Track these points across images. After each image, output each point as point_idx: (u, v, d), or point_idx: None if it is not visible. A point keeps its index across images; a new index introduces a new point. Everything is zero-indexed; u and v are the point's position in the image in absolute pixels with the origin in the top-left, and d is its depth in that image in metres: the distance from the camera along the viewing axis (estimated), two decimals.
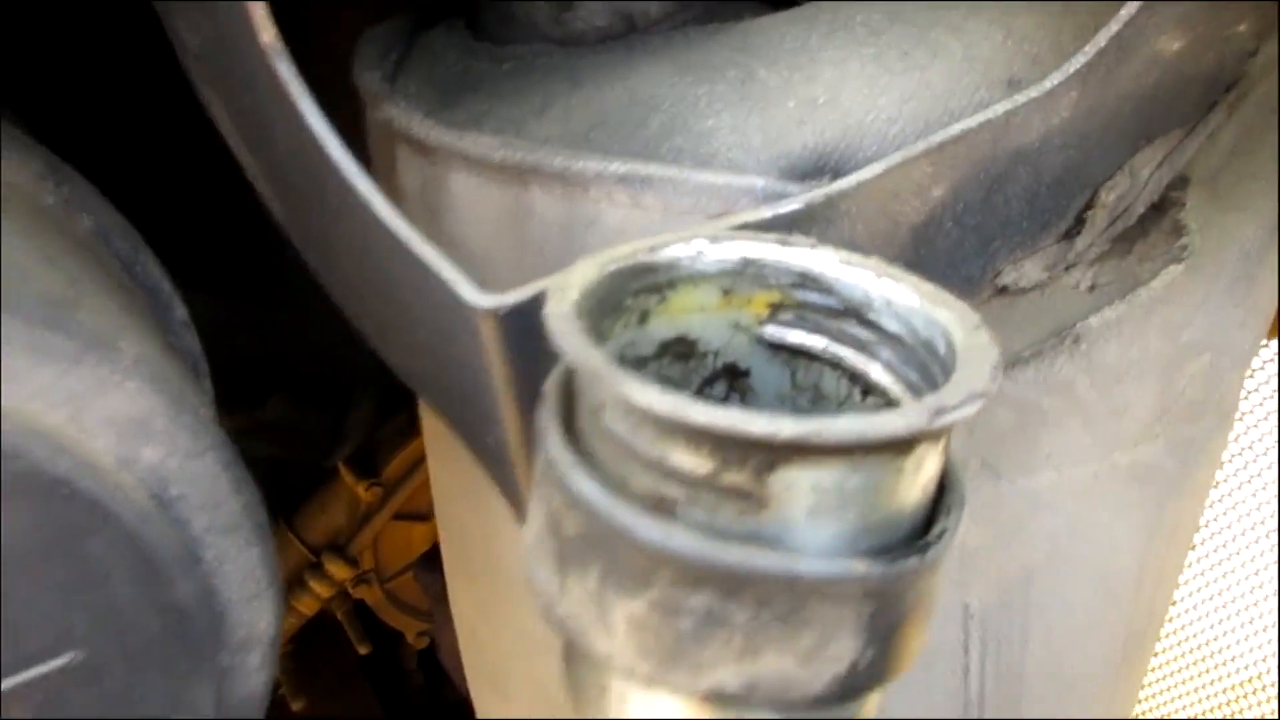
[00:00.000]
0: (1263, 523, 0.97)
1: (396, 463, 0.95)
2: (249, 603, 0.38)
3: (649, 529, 0.20)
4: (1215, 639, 1.02)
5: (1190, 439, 0.42)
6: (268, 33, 0.26)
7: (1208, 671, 1.04)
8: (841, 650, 0.21)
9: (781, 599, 0.20)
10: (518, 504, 0.31)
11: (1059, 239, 0.38)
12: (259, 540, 0.38)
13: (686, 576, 0.20)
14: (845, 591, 0.20)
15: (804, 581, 0.20)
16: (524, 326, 0.26)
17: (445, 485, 0.52)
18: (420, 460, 0.97)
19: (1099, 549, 0.42)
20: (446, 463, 0.51)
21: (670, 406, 0.19)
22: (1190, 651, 1.03)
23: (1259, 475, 0.96)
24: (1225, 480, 0.96)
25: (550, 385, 0.24)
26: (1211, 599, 1.01)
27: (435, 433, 0.52)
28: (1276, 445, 0.98)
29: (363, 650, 0.99)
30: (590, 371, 0.21)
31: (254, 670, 0.39)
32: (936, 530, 0.22)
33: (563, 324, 0.21)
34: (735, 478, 0.20)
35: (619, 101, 0.35)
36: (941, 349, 0.24)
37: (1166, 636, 1.02)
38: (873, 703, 0.25)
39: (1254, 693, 1.04)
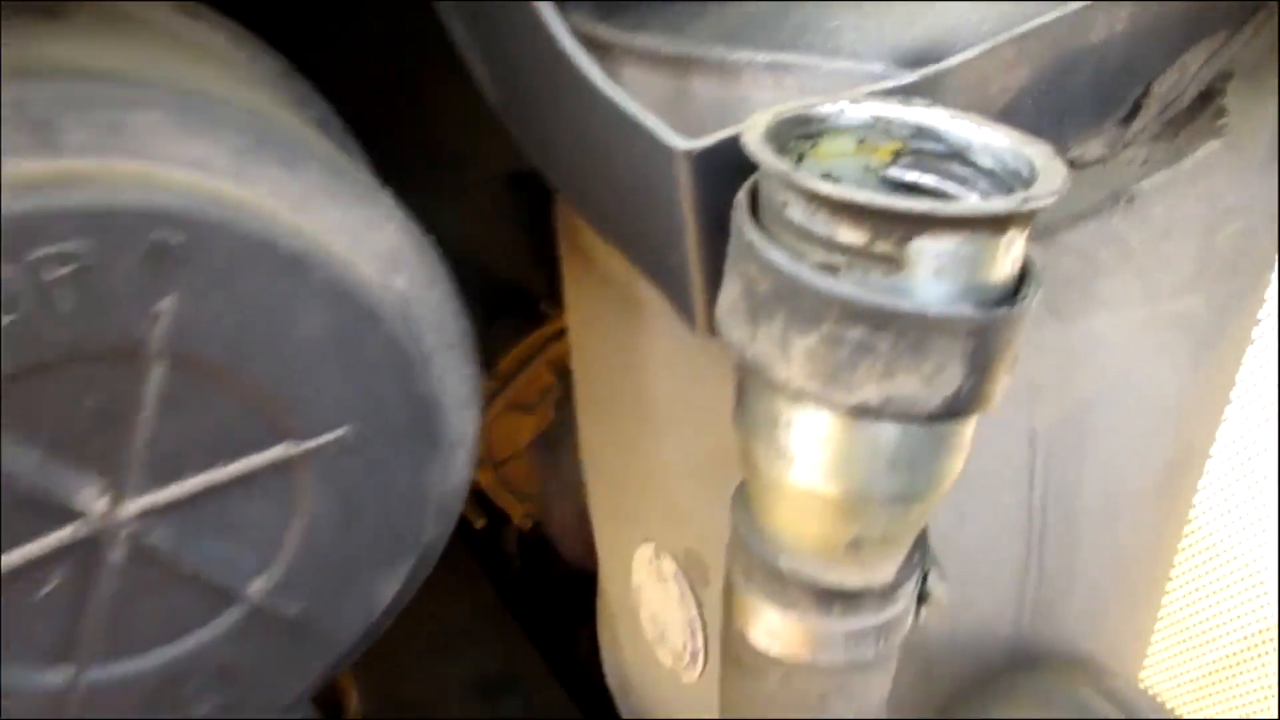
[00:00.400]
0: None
1: (509, 359, 1.06)
2: (461, 409, 0.48)
3: (823, 281, 0.29)
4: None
5: (1227, 294, 0.50)
6: None
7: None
8: (951, 376, 0.31)
9: (913, 333, 0.30)
10: (689, 312, 0.41)
11: (1118, 122, 0.47)
12: (470, 359, 0.48)
13: (848, 315, 0.29)
14: (956, 329, 0.30)
15: (929, 319, 0.29)
16: (711, 164, 0.35)
17: (585, 338, 0.62)
18: (530, 357, 1.07)
19: (1146, 385, 0.51)
20: (589, 322, 0.61)
21: (841, 192, 0.28)
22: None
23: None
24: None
25: (740, 196, 0.33)
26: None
27: (578, 299, 0.62)
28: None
29: (479, 524, 1.10)
30: (779, 174, 0.30)
31: (461, 467, 0.50)
32: (1020, 296, 0.31)
33: (756, 143, 0.31)
34: (883, 246, 0.29)
35: (762, 6, 0.44)
36: (1025, 174, 0.33)
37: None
38: (968, 432, 0.34)
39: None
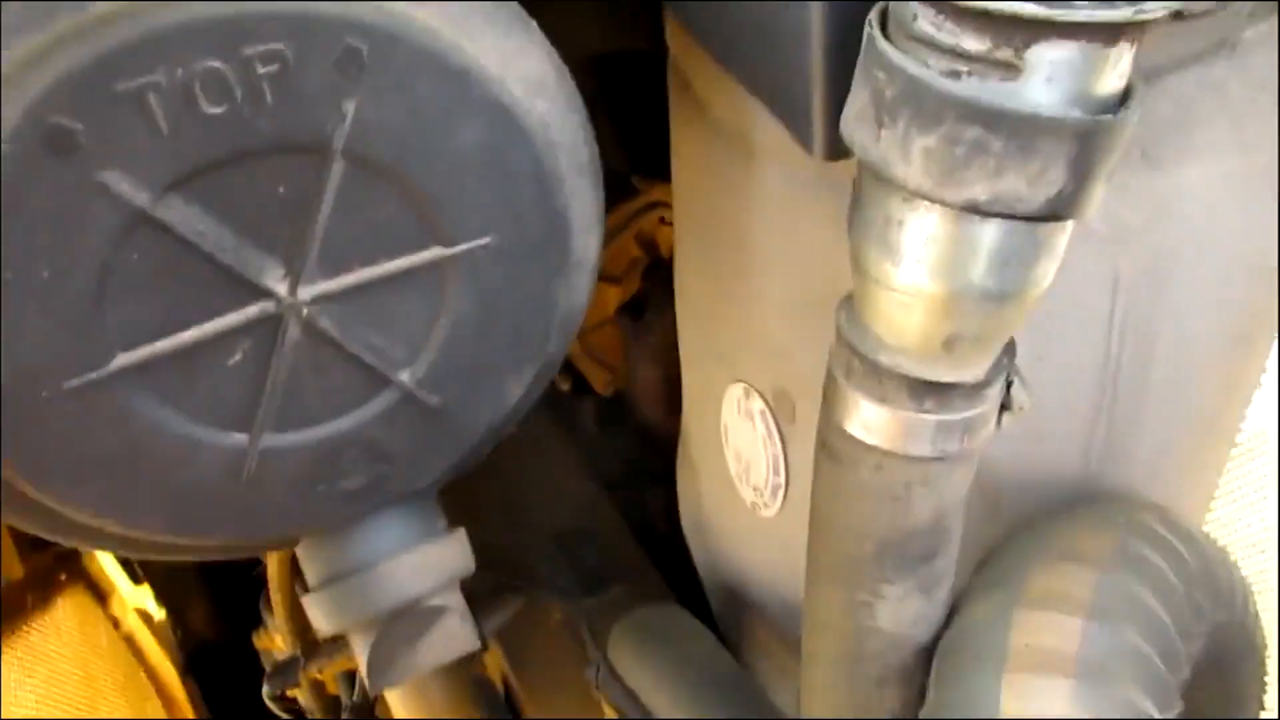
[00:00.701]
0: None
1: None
2: (588, 231, 0.53)
3: (946, 84, 0.33)
4: None
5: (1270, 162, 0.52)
6: None
7: None
8: (1055, 178, 0.34)
9: (1024, 133, 0.33)
10: (808, 138, 0.44)
11: None
12: (598, 184, 0.53)
13: (966, 115, 0.33)
14: (1063, 131, 0.33)
15: (1040, 120, 0.33)
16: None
17: (691, 188, 0.66)
18: (616, 231, 1.12)
19: (1230, 239, 0.54)
20: (696, 171, 0.65)
21: (970, 2, 0.32)
22: None
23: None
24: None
25: (871, 15, 0.37)
26: None
27: (687, 150, 0.66)
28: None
29: (564, 387, 1.17)
30: None
31: (583, 287, 0.55)
32: (1123, 109, 0.35)
33: None
34: (1003, 53, 0.33)
35: None
36: None
37: None
38: (1063, 239, 0.38)
39: None
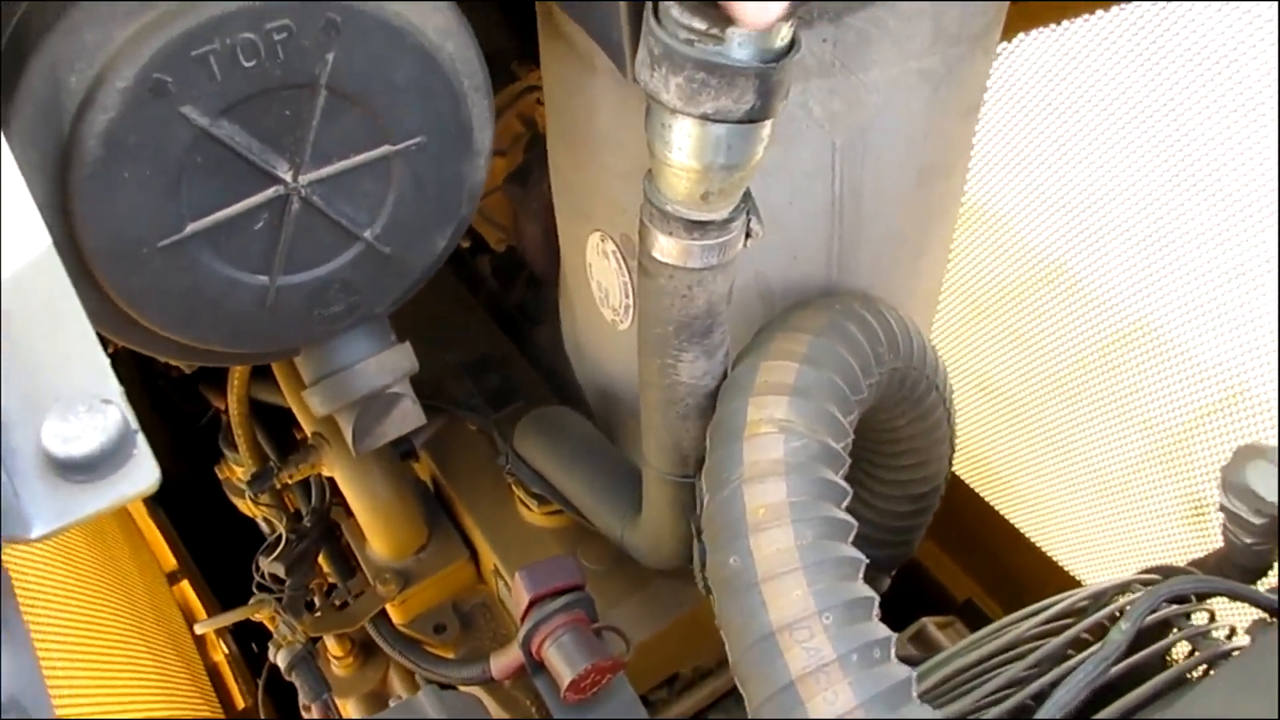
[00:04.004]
0: None
1: None
2: (484, 128, 0.78)
3: (684, 47, 0.60)
4: None
5: (954, 55, 0.81)
6: None
7: None
8: (748, 100, 0.61)
9: (728, 75, 0.60)
10: (623, 66, 0.70)
11: None
12: (490, 95, 0.78)
13: (696, 65, 0.60)
14: (750, 73, 0.60)
15: (736, 68, 0.60)
16: None
17: (555, 90, 0.92)
18: (503, 109, 1.35)
19: (902, 115, 0.83)
20: (558, 78, 0.90)
21: (695, 2, 0.58)
22: None
23: None
24: None
25: (648, 4, 0.62)
26: None
27: (551, 62, 0.91)
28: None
29: (464, 244, 1.42)
30: None
31: (483, 167, 0.80)
32: (786, 57, 0.62)
33: None
34: (714, 30, 0.59)
35: None
36: None
37: None
38: (764, 131, 0.66)
39: None
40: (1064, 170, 1.59)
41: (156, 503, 1.66)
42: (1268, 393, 1.56)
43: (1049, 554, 1.62)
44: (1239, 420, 1.58)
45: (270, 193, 0.70)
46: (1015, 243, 1.72)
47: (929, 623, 1.16)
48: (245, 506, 1.55)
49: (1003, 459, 1.77)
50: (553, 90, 0.93)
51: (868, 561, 0.67)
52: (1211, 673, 0.76)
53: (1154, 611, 0.78)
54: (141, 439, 0.37)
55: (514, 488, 1.22)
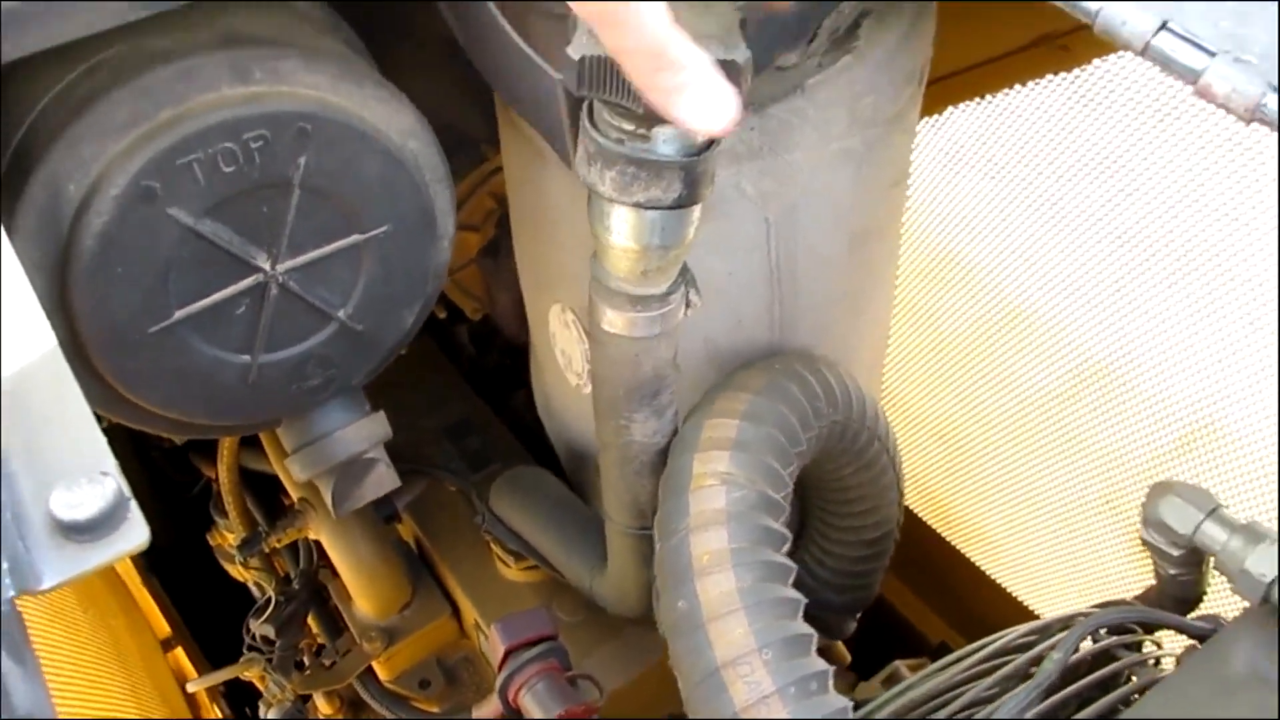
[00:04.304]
0: None
1: (460, 189, 1.42)
2: (447, 215, 0.86)
3: (615, 145, 0.67)
4: None
5: (871, 136, 0.89)
6: None
7: None
8: (675, 188, 0.69)
9: (655, 169, 0.68)
10: (567, 160, 0.78)
11: (804, 44, 0.84)
12: (450, 187, 0.86)
13: (626, 161, 0.67)
14: (675, 166, 0.68)
15: (662, 162, 0.67)
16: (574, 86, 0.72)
17: (515, 175, 1.00)
18: (475, 188, 1.43)
19: (828, 192, 0.91)
20: (517, 164, 0.98)
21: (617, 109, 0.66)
22: None
23: None
24: None
25: (585, 106, 0.70)
26: None
27: (511, 150, 0.99)
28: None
29: (441, 315, 1.49)
30: (599, 98, 0.67)
31: (446, 250, 0.88)
32: (707, 151, 0.69)
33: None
34: (640, 130, 0.67)
35: None
36: None
37: None
38: (694, 215, 0.74)
39: None
40: (1023, 220, 1.67)
41: (150, 571, 1.71)
42: (1228, 432, 1.63)
43: (1014, 594, 1.68)
44: (1196, 460, 1.64)
45: (251, 281, 0.78)
46: (974, 289, 1.80)
47: (901, 665, 1.22)
48: (236, 571, 1.60)
49: (968, 502, 1.84)
50: (512, 175, 1.01)
51: (806, 601, 0.73)
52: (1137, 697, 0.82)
53: (1094, 641, 0.84)
54: (134, 504, 0.44)
55: (492, 545, 1.28)
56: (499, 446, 1.44)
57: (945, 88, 1.15)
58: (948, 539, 1.77)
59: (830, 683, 0.71)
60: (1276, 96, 0.49)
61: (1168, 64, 0.53)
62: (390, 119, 0.78)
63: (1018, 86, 1.17)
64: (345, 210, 0.79)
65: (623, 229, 0.72)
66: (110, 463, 0.45)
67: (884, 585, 1.21)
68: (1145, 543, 0.94)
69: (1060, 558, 1.75)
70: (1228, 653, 0.75)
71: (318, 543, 1.38)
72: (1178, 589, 0.96)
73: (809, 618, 0.74)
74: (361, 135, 0.76)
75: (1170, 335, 1.66)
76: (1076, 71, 1.10)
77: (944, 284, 1.86)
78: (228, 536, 1.58)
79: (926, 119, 1.28)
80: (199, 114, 0.69)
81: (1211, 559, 0.87)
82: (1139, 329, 1.68)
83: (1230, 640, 0.77)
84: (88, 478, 0.43)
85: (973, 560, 1.73)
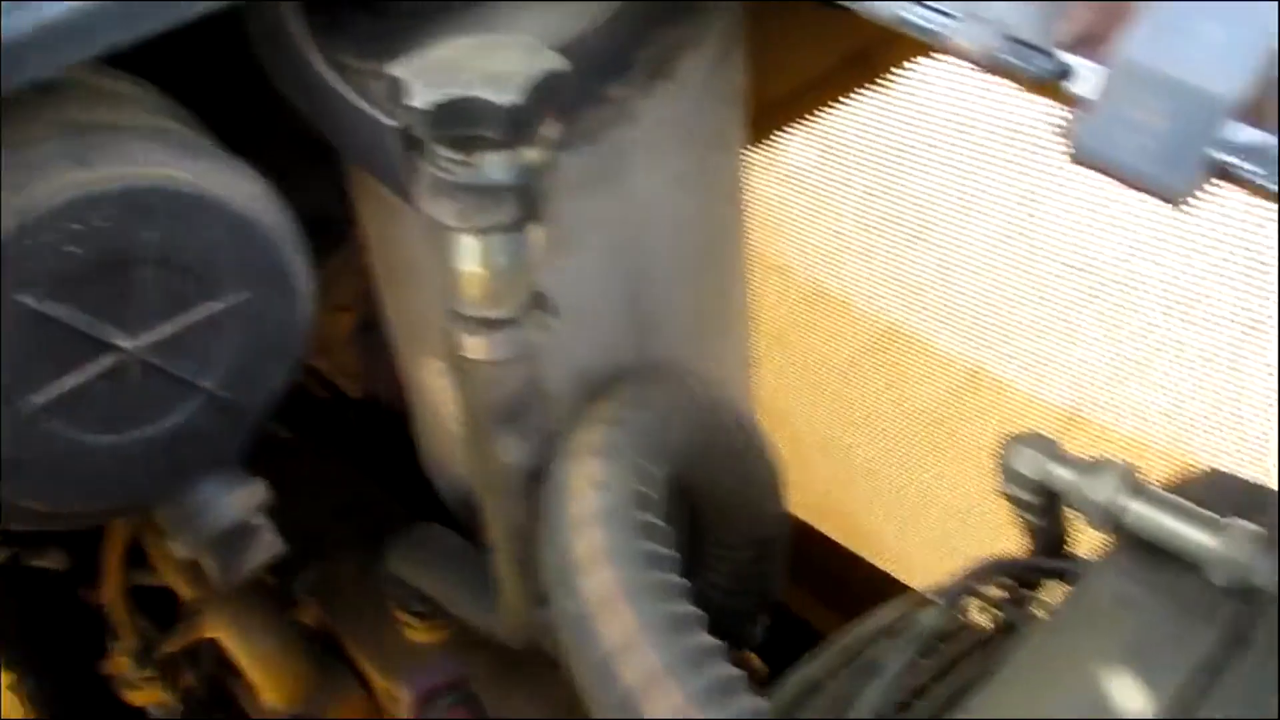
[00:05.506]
0: None
1: (328, 271, 1.44)
2: (301, 275, 0.88)
3: (449, 175, 0.71)
4: None
5: (701, 156, 0.96)
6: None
7: None
8: (511, 211, 0.73)
9: (490, 193, 0.72)
10: (410, 201, 0.81)
11: (625, 75, 0.90)
12: (302, 246, 0.88)
13: (461, 190, 0.71)
14: (506, 189, 0.72)
15: (491, 187, 0.72)
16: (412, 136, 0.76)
17: (372, 232, 1.03)
18: (342, 268, 1.45)
19: (669, 210, 0.96)
20: (371, 221, 1.01)
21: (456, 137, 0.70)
22: None
23: None
24: None
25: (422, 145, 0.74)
26: None
27: (365, 207, 1.02)
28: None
29: (322, 395, 1.50)
30: (429, 133, 0.71)
31: (308, 308, 0.89)
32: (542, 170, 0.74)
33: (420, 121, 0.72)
34: (469, 159, 0.71)
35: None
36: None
37: None
38: (535, 236, 0.78)
39: None
40: (896, 242, 1.76)
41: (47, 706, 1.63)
42: (1100, 423, 1.73)
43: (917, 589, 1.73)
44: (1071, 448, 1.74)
45: (111, 360, 0.78)
46: (842, 312, 1.89)
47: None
48: (136, 696, 1.55)
49: (864, 509, 1.90)
50: (370, 233, 1.04)
51: (689, 584, 0.77)
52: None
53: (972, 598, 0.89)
54: None
55: (395, 611, 1.27)
56: (391, 519, 1.44)
57: (772, 115, 1.23)
58: (852, 549, 1.82)
59: (723, 656, 0.74)
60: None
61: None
62: (233, 186, 0.81)
63: (838, 104, 1.27)
64: (199, 280, 0.80)
65: (470, 256, 0.76)
66: None
67: (795, 601, 1.25)
68: (1008, 498, 1.00)
69: (957, 550, 1.83)
70: (1094, 587, 0.80)
71: (216, 641, 1.35)
72: (1050, 541, 1.02)
73: (716, 630, 0.77)
74: (206, 205, 0.78)
75: (1038, 336, 1.77)
76: (880, 83, 1.19)
77: (813, 308, 1.95)
78: (123, 661, 1.53)
79: (767, 146, 1.36)
80: (40, 199, 0.71)
81: (1063, 501, 0.93)
82: (1007, 333, 1.79)
83: (1096, 575, 0.81)
84: None
85: (874, 564, 1.79)
